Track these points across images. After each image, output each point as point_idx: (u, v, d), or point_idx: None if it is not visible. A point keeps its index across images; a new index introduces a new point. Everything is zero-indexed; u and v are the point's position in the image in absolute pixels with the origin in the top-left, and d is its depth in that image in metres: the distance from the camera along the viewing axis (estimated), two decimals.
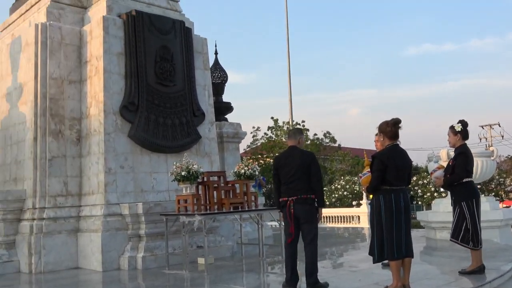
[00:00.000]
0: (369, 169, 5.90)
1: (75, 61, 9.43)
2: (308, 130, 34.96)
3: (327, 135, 36.08)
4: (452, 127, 6.76)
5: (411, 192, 28.64)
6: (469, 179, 6.61)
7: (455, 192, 6.70)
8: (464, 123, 6.73)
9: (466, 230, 6.51)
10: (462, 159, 6.58)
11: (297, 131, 6.36)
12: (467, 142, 6.78)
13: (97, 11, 9.56)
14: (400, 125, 5.70)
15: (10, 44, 10.05)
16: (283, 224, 6.51)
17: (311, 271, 5.87)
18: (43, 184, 8.73)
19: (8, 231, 8.76)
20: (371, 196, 5.94)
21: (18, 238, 8.76)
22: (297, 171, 5.93)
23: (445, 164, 7.19)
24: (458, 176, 6.59)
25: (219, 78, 13.53)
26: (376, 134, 6.36)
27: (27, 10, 10.52)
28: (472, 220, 6.48)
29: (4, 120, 9.96)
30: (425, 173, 25.70)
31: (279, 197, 6.11)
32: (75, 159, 9.16)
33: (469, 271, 6.52)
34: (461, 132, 6.70)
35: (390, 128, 5.68)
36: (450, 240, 6.78)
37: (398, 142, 5.72)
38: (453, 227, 6.67)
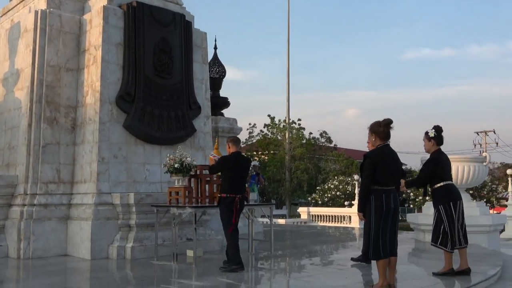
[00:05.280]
0: None
1: (74, 49, 9.43)
2: (304, 129, 35.03)
3: (323, 134, 36.14)
4: (426, 133, 6.80)
5: (404, 195, 28.78)
6: (446, 183, 6.61)
7: (433, 196, 6.76)
8: (438, 129, 6.76)
9: (444, 233, 6.54)
10: (428, 165, 6.72)
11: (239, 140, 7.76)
12: (442, 147, 6.82)
13: (98, 1, 9.56)
14: (392, 125, 5.73)
15: (9, 29, 10.03)
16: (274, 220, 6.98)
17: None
18: (36, 171, 8.74)
19: None
20: None
21: (7, 223, 8.77)
22: (245, 174, 7.47)
23: None
24: (417, 181, 7.08)
25: (217, 73, 13.57)
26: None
27: None
28: (449, 223, 6.52)
29: None
30: None
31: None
32: (69, 147, 9.17)
33: (441, 273, 6.57)
34: (435, 138, 6.73)
35: (382, 129, 5.71)
36: (431, 244, 6.81)
37: (388, 143, 5.75)
38: (432, 231, 6.71)
